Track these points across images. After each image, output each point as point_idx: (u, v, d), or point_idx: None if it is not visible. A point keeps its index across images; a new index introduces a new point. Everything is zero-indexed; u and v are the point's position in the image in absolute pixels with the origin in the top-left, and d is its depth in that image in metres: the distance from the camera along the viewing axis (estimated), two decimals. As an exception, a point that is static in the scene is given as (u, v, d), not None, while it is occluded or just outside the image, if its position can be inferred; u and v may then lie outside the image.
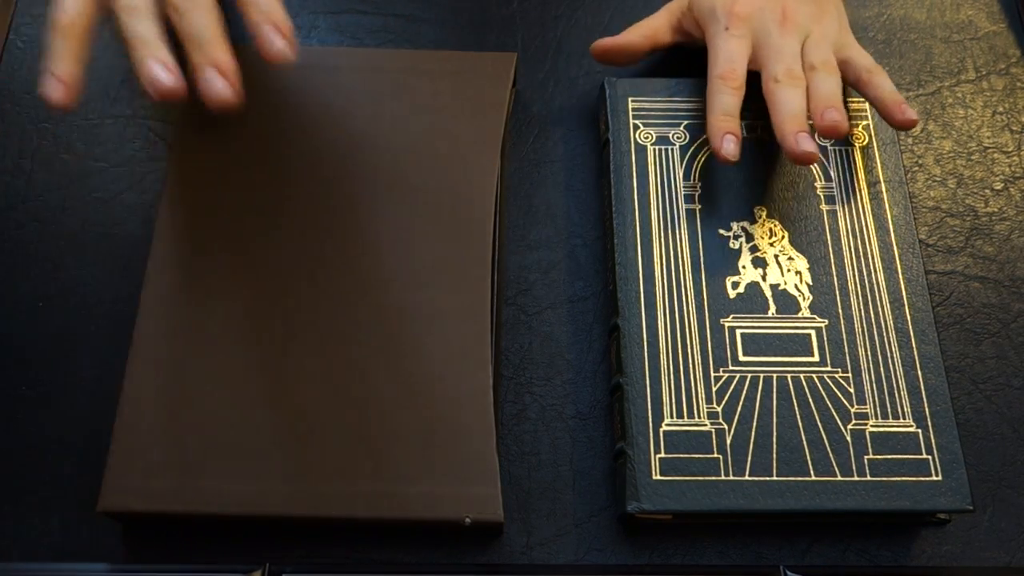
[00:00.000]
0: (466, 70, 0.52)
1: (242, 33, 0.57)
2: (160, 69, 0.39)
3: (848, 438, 0.43)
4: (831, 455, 0.43)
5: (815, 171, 0.50)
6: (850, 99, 0.52)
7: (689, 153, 0.50)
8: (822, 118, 0.46)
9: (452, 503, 0.41)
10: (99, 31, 0.42)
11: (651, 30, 0.54)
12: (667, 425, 0.43)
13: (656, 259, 0.47)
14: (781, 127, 0.46)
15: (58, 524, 0.43)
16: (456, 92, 0.51)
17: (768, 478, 0.42)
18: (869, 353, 0.45)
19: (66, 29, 0.41)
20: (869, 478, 0.42)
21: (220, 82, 0.39)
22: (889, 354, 0.45)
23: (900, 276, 0.47)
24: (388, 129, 0.50)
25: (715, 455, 0.43)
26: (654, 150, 0.51)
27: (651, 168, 0.50)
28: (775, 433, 0.43)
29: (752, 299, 0.46)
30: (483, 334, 0.45)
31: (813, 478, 0.42)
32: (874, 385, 0.44)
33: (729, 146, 0.47)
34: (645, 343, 0.45)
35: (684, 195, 0.49)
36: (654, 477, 0.42)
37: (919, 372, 0.45)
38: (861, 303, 0.46)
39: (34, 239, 0.50)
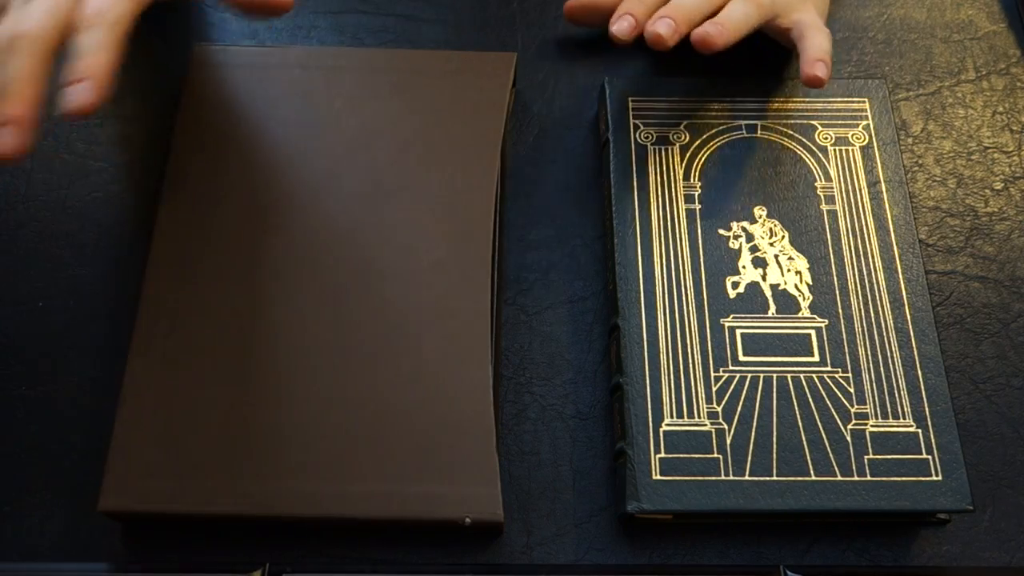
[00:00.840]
0: (466, 70, 0.52)
1: (243, 33, 0.57)
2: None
3: (848, 438, 0.43)
4: (831, 455, 0.43)
5: (815, 171, 0.50)
6: (850, 99, 0.52)
7: (689, 153, 0.50)
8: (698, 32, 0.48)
9: (452, 503, 0.41)
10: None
11: None
12: (667, 425, 0.43)
13: (656, 259, 0.47)
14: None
15: (58, 524, 0.43)
16: (456, 92, 0.51)
17: (768, 478, 0.42)
18: (869, 353, 0.45)
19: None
20: (869, 478, 0.42)
21: (6, 138, 0.38)
22: (889, 354, 0.45)
23: (900, 276, 0.47)
24: (388, 129, 0.50)
25: (715, 455, 0.43)
26: (654, 150, 0.51)
27: (651, 168, 0.50)
28: (775, 433, 0.43)
29: (752, 299, 0.46)
30: (483, 334, 0.45)
31: (813, 478, 0.42)
32: (874, 385, 0.44)
33: (622, 25, 0.49)
34: (645, 343, 0.45)
35: (684, 195, 0.49)
36: (654, 477, 0.42)
37: (919, 372, 0.45)
38: (861, 303, 0.46)
39: (34, 239, 0.50)
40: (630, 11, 0.50)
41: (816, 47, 0.50)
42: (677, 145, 0.51)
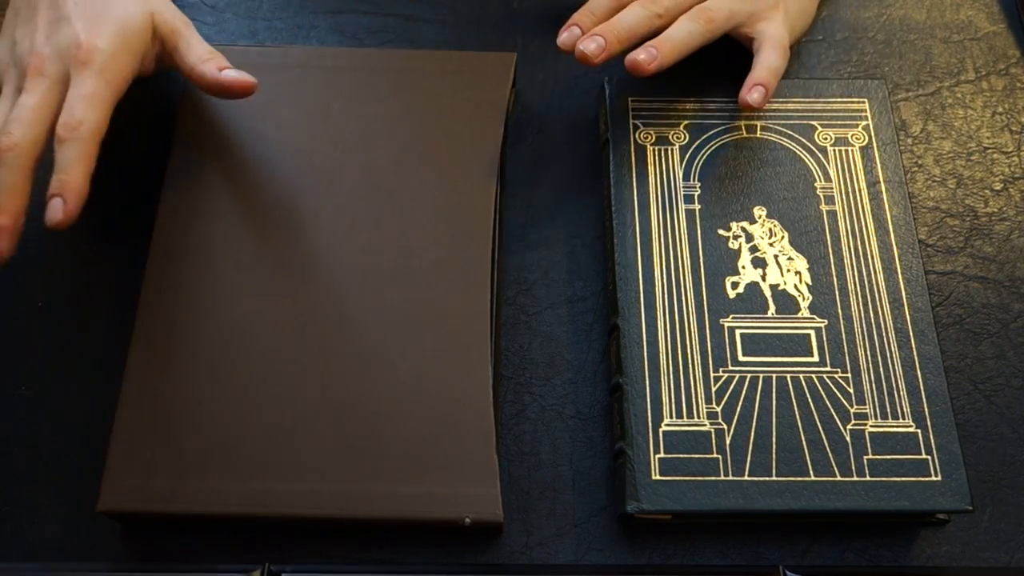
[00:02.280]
0: (466, 70, 0.52)
1: (243, 33, 0.57)
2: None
3: (847, 438, 0.43)
4: (831, 455, 0.43)
5: (815, 171, 0.50)
6: (849, 99, 0.52)
7: (689, 153, 0.50)
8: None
9: (452, 503, 0.41)
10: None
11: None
12: (667, 425, 0.43)
13: (656, 259, 0.47)
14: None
15: (58, 524, 0.43)
16: (456, 92, 0.51)
17: (767, 478, 0.42)
18: (869, 353, 0.45)
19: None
20: (869, 478, 0.42)
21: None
22: (889, 354, 0.45)
23: (900, 276, 0.47)
24: (388, 129, 0.50)
25: (714, 455, 0.43)
26: (654, 150, 0.51)
27: (651, 168, 0.50)
28: (774, 433, 0.43)
29: (752, 299, 0.46)
30: (483, 334, 0.45)
31: (813, 478, 0.42)
32: (874, 385, 0.44)
33: (565, 37, 0.50)
34: (645, 343, 0.45)
35: (684, 195, 0.49)
36: (654, 477, 0.42)
37: (919, 372, 0.45)
38: (861, 303, 0.46)
39: (34, 239, 0.50)
40: (577, 22, 0.50)
41: (762, 68, 0.50)
42: (677, 145, 0.51)
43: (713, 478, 0.42)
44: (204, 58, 0.47)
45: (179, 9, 0.50)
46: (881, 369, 0.45)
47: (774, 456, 0.42)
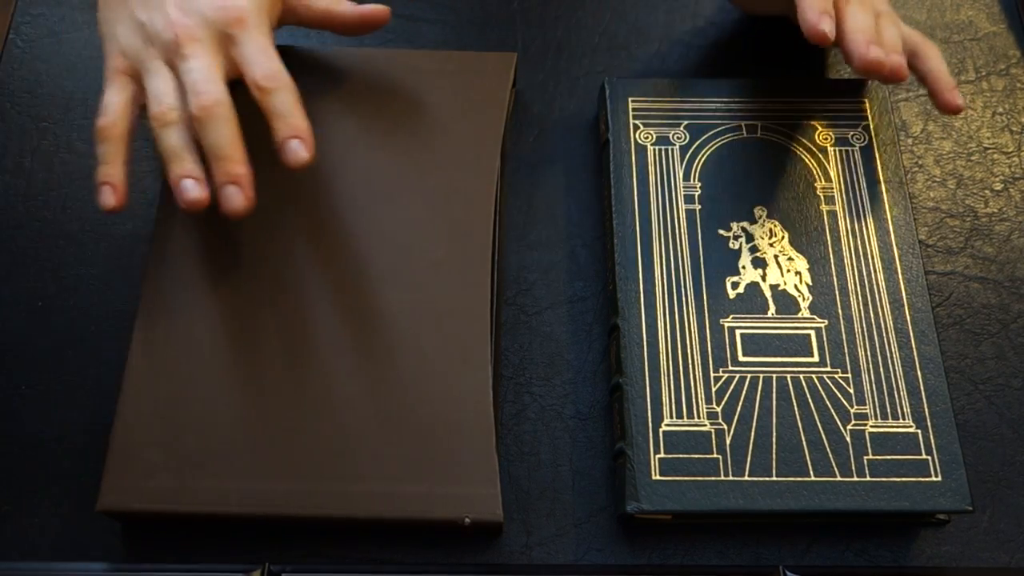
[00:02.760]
0: (466, 70, 0.52)
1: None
2: (189, 185, 0.42)
3: (848, 438, 0.43)
4: (831, 455, 0.43)
5: (815, 171, 0.50)
6: (850, 99, 0.52)
7: (689, 153, 0.50)
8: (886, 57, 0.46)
9: (451, 503, 0.41)
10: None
11: None
12: (667, 425, 0.43)
13: (656, 259, 0.47)
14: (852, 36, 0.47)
15: (58, 524, 0.43)
16: (456, 92, 0.51)
17: (768, 478, 0.42)
18: (869, 354, 0.45)
19: (107, 131, 0.44)
20: (869, 478, 0.42)
21: (238, 196, 0.43)
22: (889, 355, 0.45)
23: (900, 277, 0.47)
24: (388, 129, 0.50)
25: (715, 455, 0.43)
26: (654, 150, 0.51)
27: (651, 168, 0.50)
28: (775, 433, 0.43)
29: (752, 299, 0.46)
30: (483, 334, 0.45)
31: (813, 478, 0.42)
32: (874, 386, 0.44)
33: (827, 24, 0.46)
34: (645, 343, 0.45)
35: (684, 195, 0.49)
36: (654, 477, 0.42)
37: (919, 372, 0.45)
38: (861, 304, 0.46)
39: (34, 239, 0.50)
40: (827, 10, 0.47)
41: (945, 68, 0.49)
42: (677, 145, 0.51)
43: (713, 478, 0.42)
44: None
45: None
46: (881, 369, 0.45)
47: (774, 456, 0.42)
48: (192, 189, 0.42)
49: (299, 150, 0.43)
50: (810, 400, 0.44)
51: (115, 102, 0.44)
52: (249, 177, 0.43)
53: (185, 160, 0.43)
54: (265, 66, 0.43)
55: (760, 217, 0.49)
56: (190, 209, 0.43)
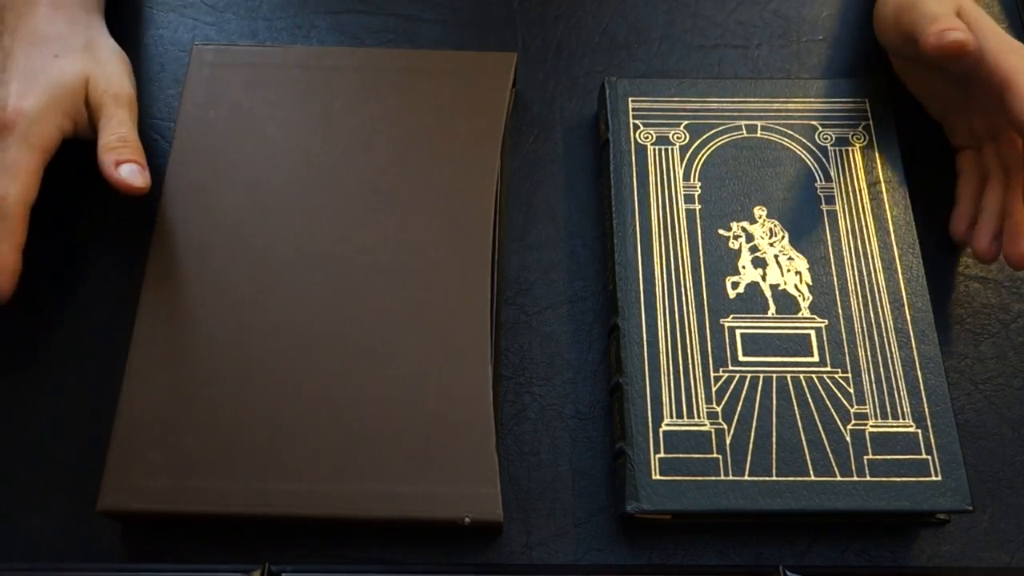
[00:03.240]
0: (466, 70, 0.52)
1: (243, 33, 0.57)
2: None
3: (848, 438, 0.43)
4: (831, 455, 0.43)
5: (815, 171, 0.50)
6: (850, 99, 0.52)
7: (689, 153, 0.50)
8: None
9: (452, 503, 0.41)
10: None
11: None
12: (667, 425, 0.43)
13: (656, 259, 0.47)
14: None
15: (58, 524, 0.43)
16: (456, 92, 0.51)
17: (767, 478, 0.42)
18: (869, 353, 0.45)
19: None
20: (869, 478, 0.42)
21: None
22: (889, 354, 0.45)
23: (900, 276, 0.47)
24: (388, 129, 0.50)
25: (715, 455, 0.43)
26: (654, 150, 0.51)
27: (651, 168, 0.50)
28: (775, 433, 0.43)
29: (752, 299, 0.46)
30: (483, 334, 0.45)
31: (813, 478, 0.42)
32: (874, 385, 0.44)
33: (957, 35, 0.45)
34: (645, 343, 0.45)
35: (684, 195, 0.49)
36: (654, 477, 0.42)
37: (919, 372, 0.45)
38: (861, 303, 0.46)
39: (34, 239, 0.50)
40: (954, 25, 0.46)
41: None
42: (677, 145, 0.51)
43: (713, 478, 0.42)
44: (111, 145, 0.46)
45: (133, 81, 0.49)
46: (881, 369, 0.45)
47: (774, 456, 0.42)
48: None
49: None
50: (810, 400, 0.44)
51: None
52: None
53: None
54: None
55: (760, 217, 0.49)
56: None
